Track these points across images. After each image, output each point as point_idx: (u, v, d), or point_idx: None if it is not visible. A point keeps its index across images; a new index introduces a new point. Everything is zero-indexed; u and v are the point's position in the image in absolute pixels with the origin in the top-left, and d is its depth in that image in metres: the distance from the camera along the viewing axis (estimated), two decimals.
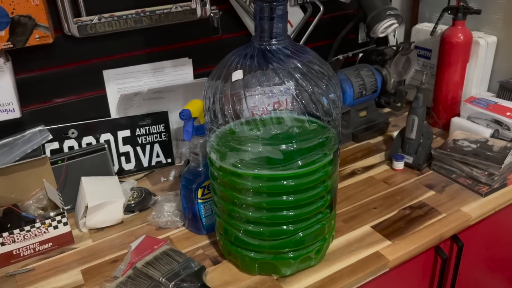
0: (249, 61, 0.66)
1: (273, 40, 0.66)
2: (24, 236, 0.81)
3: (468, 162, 0.99)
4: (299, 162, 0.67)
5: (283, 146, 0.66)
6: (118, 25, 0.97)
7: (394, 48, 1.25)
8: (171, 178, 1.06)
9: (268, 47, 0.66)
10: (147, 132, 1.07)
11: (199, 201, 0.84)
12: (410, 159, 1.05)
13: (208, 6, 1.04)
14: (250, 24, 1.16)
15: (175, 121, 1.10)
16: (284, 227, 0.71)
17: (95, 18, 0.95)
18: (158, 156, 1.10)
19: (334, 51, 1.24)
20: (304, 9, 1.23)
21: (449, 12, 1.14)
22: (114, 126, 1.04)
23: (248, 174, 0.68)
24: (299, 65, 0.67)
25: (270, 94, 0.69)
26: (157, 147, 1.09)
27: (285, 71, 0.67)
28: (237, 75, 0.66)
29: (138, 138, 1.07)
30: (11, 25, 0.83)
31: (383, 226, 0.87)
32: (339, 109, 0.72)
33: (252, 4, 1.11)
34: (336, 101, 0.70)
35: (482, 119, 1.10)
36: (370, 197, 0.96)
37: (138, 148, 1.08)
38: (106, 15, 0.96)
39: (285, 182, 0.68)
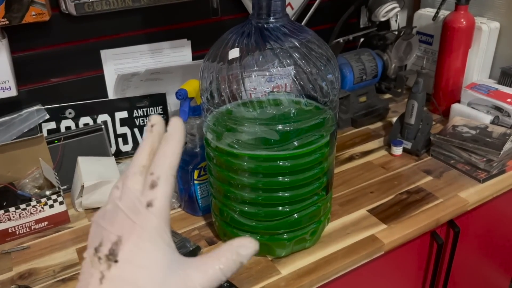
0: (246, 40, 0.65)
1: (271, 17, 0.65)
2: (20, 214, 0.81)
3: (467, 148, 0.98)
4: (295, 143, 0.67)
5: (279, 127, 0.66)
6: (116, 4, 0.96)
7: (396, 33, 1.24)
8: None
9: (265, 25, 0.65)
10: (145, 113, 1.07)
11: (195, 182, 0.84)
12: (408, 145, 1.04)
13: None
14: (249, 5, 1.14)
15: (173, 103, 1.09)
16: (280, 208, 0.71)
17: None
18: None
19: (335, 35, 1.22)
20: None
21: None
22: (111, 107, 1.04)
23: (244, 154, 0.68)
24: (297, 44, 0.66)
25: (268, 76, 0.68)
26: None
27: (283, 50, 0.66)
28: (234, 53, 0.65)
29: (135, 119, 1.06)
30: (6, 1, 0.82)
31: (379, 210, 0.87)
32: (337, 90, 0.71)
33: None
34: (334, 82, 0.70)
35: (482, 105, 1.09)
36: (367, 182, 0.96)
37: (136, 130, 1.07)
38: None
39: (281, 163, 0.68)
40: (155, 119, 0.34)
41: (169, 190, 0.32)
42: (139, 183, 0.32)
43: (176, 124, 0.34)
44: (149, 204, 0.31)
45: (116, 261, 0.30)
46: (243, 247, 0.32)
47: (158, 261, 0.30)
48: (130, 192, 0.32)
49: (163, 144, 0.33)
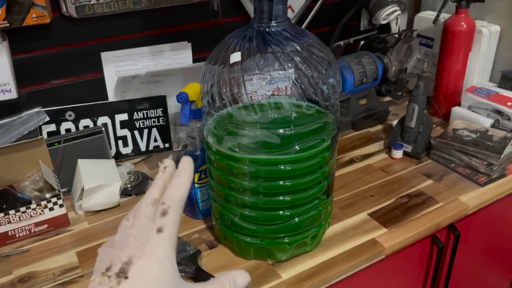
0: (248, 43, 0.65)
1: (273, 22, 0.65)
2: (19, 217, 0.81)
3: (467, 151, 0.98)
4: (297, 147, 0.67)
5: (281, 131, 0.66)
6: (117, 6, 0.96)
7: (396, 36, 1.24)
8: None
9: (267, 29, 0.65)
10: (145, 116, 1.07)
11: (196, 185, 0.84)
12: (409, 148, 1.04)
13: None
14: (250, 8, 1.14)
15: (173, 105, 1.09)
16: (280, 212, 0.71)
17: None
18: (155, 140, 1.09)
19: (336, 37, 1.22)
20: None
21: (452, 0, 1.13)
22: (112, 110, 1.03)
23: (245, 158, 0.67)
24: (298, 48, 0.66)
25: (269, 79, 0.68)
26: (155, 132, 1.08)
27: (284, 54, 0.66)
28: (235, 57, 0.65)
29: (136, 122, 1.06)
30: (7, 4, 0.82)
31: (380, 214, 0.86)
32: (338, 94, 0.71)
33: None
34: (336, 86, 0.69)
35: (482, 109, 1.09)
36: (368, 185, 0.96)
37: (136, 132, 1.07)
38: None
39: (282, 167, 0.67)
40: (168, 162, 0.39)
41: (178, 220, 0.35)
42: (151, 213, 0.35)
43: (187, 162, 0.38)
44: (159, 230, 0.34)
45: (126, 278, 0.31)
46: (239, 277, 0.36)
47: (165, 281, 0.32)
48: (142, 219, 0.34)
49: (174, 179, 0.37)
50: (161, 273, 0.32)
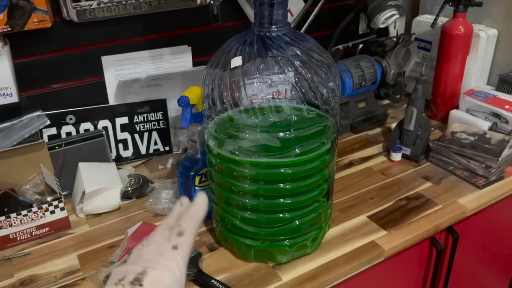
0: (248, 48, 0.66)
1: (273, 26, 0.66)
2: (21, 220, 0.81)
3: (466, 154, 0.99)
4: (297, 150, 0.67)
5: (281, 134, 0.66)
6: (117, 11, 0.96)
7: (395, 39, 1.25)
8: (168, 166, 1.06)
9: (267, 34, 0.66)
10: (145, 119, 1.07)
11: (197, 188, 0.84)
12: (407, 151, 1.05)
13: None
14: (250, 12, 1.15)
15: (173, 109, 1.10)
16: (281, 215, 0.71)
17: (94, 3, 0.94)
18: (156, 144, 1.10)
19: (335, 41, 1.23)
20: None
21: (450, 4, 1.14)
22: (112, 113, 1.04)
23: (245, 161, 0.68)
24: (298, 52, 0.67)
25: (270, 83, 0.68)
26: (155, 135, 1.09)
27: (284, 58, 0.66)
28: (236, 61, 0.65)
29: (136, 125, 1.07)
30: (9, 8, 0.83)
31: (379, 216, 0.87)
32: (338, 98, 0.72)
33: None
34: (335, 90, 0.70)
35: (480, 112, 1.10)
36: (367, 188, 0.96)
37: (136, 136, 1.07)
38: (105, 0, 0.95)
39: (282, 170, 0.68)
40: (184, 200, 0.47)
41: (191, 243, 0.39)
42: (166, 236, 0.39)
43: (202, 197, 0.46)
44: (175, 247, 0.38)
45: (141, 285, 0.33)
46: None
47: None
48: (158, 240, 0.38)
49: (192, 207, 0.44)
50: (173, 285, 0.34)
